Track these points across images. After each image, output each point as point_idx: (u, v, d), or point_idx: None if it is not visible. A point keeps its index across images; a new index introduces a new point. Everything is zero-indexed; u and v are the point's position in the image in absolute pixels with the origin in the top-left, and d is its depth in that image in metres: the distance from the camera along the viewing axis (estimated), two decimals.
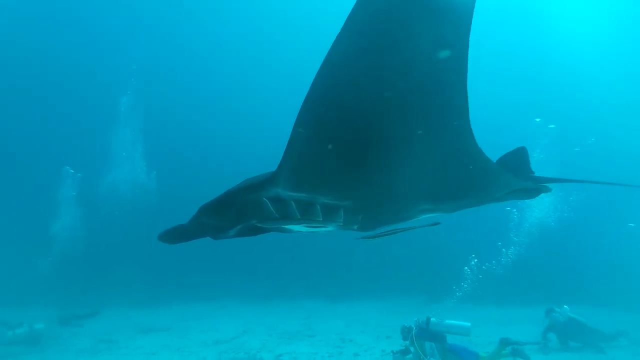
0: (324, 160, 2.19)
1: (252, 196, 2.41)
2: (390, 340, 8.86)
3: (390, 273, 18.02)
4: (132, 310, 14.00)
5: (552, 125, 17.85)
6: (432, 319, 6.49)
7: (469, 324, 6.48)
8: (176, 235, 2.70)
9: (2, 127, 22.56)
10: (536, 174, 3.09)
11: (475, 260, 13.97)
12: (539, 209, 14.97)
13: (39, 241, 17.21)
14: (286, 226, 2.57)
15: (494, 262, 14.24)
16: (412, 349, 6.60)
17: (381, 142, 2.16)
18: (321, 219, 2.44)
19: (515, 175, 2.81)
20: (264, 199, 2.38)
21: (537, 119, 18.26)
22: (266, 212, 2.40)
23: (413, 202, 2.59)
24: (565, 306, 8.44)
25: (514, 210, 15.08)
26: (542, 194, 3.02)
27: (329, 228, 2.62)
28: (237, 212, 2.47)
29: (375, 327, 10.83)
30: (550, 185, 2.97)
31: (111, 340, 9.10)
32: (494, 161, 2.75)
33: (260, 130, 25.97)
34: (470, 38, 1.78)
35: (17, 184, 21.90)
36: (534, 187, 2.93)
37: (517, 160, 3.07)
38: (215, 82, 27.80)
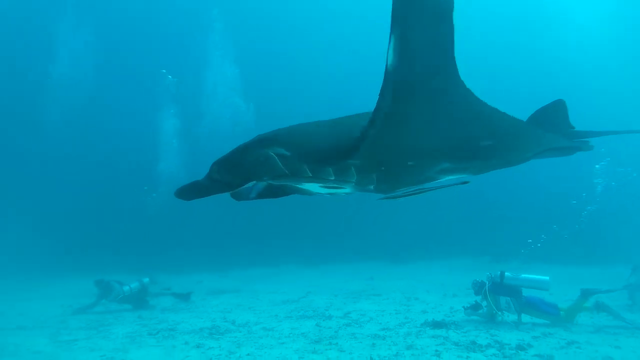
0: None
1: (261, 152, 2.36)
2: (457, 299, 8.77)
3: (452, 234, 17.68)
4: (200, 275, 14.93)
5: None
6: (506, 273, 6.33)
7: (547, 278, 6.25)
8: (191, 191, 2.62)
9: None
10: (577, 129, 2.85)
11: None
12: None
13: (147, 177, 18.46)
14: (301, 186, 2.50)
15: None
16: (484, 303, 6.50)
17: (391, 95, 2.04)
18: (333, 178, 2.37)
19: (552, 131, 2.62)
20: (273, 155, 2.33)
21: None
22: (275, 169, 2.34)
23: (430, 161, 2.44)
24: None
25: None
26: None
27: (345, 189, 2.54)
28: (246, 168, 2.41)
29: (440, 286, 10.76)
30: (592, 140, 2.76)
31: (188, 301, 9.76)
32: (531, 114, 2.69)
33: (357, 60, 25.15)
34: None
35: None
36: (571, 144, 2.72)
37: (554, 114, 2.82)
38: (313, 11, 27.08)
